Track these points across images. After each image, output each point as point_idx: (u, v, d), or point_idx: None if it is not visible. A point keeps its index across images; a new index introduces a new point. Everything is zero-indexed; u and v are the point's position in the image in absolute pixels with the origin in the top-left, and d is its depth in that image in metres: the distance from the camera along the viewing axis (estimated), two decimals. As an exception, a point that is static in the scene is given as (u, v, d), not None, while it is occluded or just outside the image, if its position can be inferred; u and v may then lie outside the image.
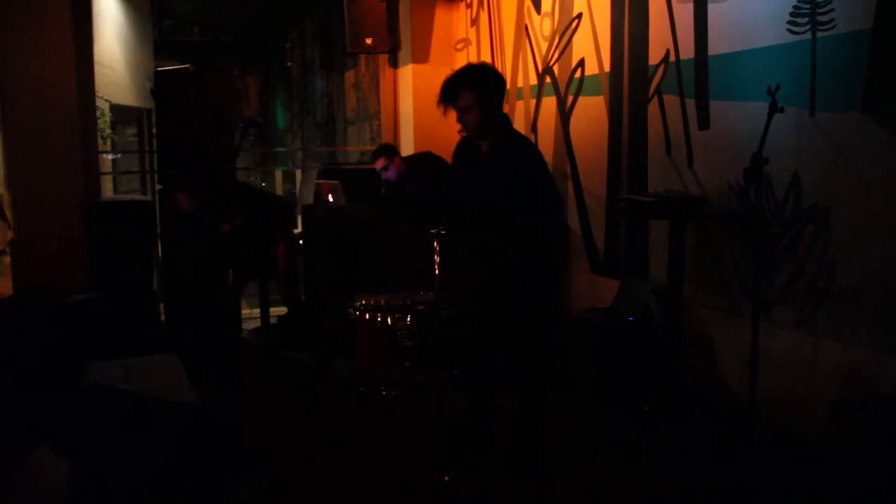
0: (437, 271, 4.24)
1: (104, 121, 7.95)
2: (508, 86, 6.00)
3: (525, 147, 3.56)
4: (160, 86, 5.72)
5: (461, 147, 3.72)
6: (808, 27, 3.44)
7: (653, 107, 4.47)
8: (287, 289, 5.73)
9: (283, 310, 5.98)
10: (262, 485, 3.52)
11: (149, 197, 7.52)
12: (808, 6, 3.43)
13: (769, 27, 3.63)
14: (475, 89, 3.39)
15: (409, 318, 4.54)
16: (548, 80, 5.52)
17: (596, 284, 5.06)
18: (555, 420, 4.12)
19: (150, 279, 6.06)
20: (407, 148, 6.86)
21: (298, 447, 3.92)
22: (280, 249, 5.52)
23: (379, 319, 4.59)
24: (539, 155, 3.67)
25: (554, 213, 3.72)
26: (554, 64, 5.42)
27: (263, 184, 13.61)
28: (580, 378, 4.43)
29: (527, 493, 3.39)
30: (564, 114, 5.34)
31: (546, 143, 5.56)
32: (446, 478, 3.48)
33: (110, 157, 8.69)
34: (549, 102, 5.51)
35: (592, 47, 4.99)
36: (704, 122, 4.09)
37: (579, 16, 5.11)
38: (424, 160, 5.80)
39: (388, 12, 6.65)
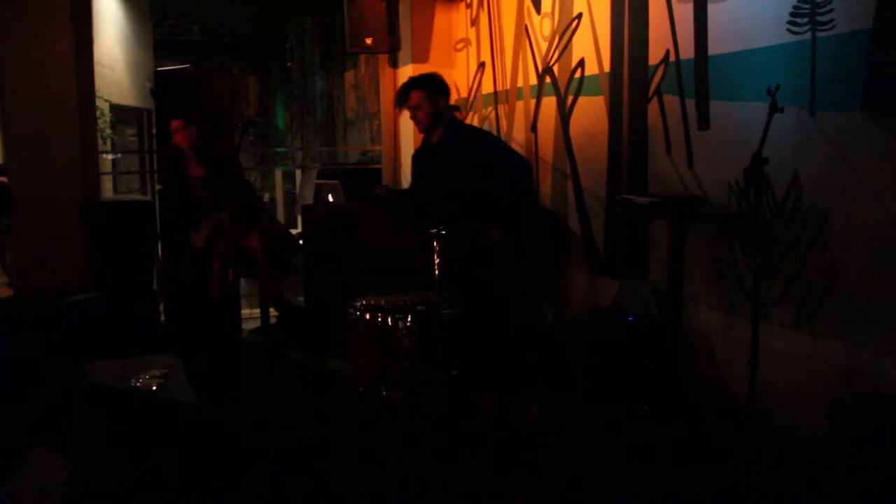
0: (436, 271, 4.24)
1: (104, 121, 7.96)
2: (508, 86, 6.03)
3: (476, 129, 4.18)
4: (160, 86, 5.73)
5: (416, 155, 4.37)
6: (808, 27, 3.44)
7: (653, 107, 4.47)
8: (270, 290, 5.66)
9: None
10: (261, 485, 3.52)
11: (149, 197, 7.53)
12: (808, 6, 3.43)
13: (769, 27, 3.63)
14: (422, 89, 4.05)
15: (409, 318, 4.54)
16: (548, 80, 5.51)
17: (596, 284, 5.05)
18: (555, 420, 4.12)
19: (150, 279, 6.06)
20: (407, 148, 6.86)
21: (298, 447, 3.92)
22: (255, 244, 5.36)
23: (379, 319, 4.59)
24: (496, 137, 4.31)
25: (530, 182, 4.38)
26: (554, 64, 5.42)
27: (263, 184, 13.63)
28: (580, 378, 4.43)
29: (526, 493, 3.39)
30: (564, 114, 5.34)
31: (546, 143, 5.56)
32: (445, 477, 3.48)
33: (110, 157, 8.71)
34: (549, 102, 5.51)
35: (592, 47, 4.99)
36: (704, 122, 4.09)
37: (579, 16, 5.11)
38: None
39: (388, 12, 6.64)
